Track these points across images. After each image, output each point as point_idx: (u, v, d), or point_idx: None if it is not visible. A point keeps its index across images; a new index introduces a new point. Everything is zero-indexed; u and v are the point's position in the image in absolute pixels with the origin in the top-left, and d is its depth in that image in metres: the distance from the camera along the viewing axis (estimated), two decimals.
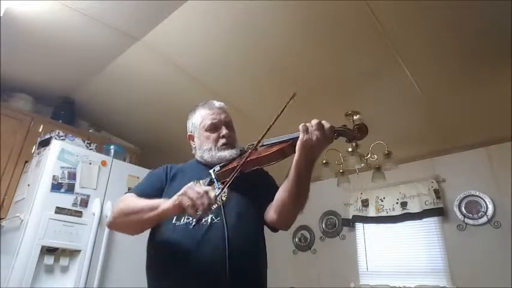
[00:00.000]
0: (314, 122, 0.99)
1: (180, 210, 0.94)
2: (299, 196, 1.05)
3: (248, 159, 1.06)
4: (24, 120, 2.68)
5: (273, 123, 1.06)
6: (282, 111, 1.06)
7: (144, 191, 1.15)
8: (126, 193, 1.18)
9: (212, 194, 0.91)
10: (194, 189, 0.91)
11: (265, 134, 1.07)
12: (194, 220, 1.05)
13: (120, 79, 2.64)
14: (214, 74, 2.49)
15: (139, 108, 3.01)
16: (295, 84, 2.43)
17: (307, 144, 0.98)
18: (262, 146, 1.13)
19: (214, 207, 1.09)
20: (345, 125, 1.02)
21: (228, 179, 1.03)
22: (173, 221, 1.10)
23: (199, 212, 0.90)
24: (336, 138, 1.02)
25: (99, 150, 2.67)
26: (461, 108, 2.57)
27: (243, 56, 2.29)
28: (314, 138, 0.97)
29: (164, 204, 0.97)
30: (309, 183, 1.05)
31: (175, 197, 0.95)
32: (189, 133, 1.36)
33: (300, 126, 0.99)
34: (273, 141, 1.11)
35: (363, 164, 2.65)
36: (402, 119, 2.79)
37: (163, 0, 1.90)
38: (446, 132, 2.90)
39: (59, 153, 2.30)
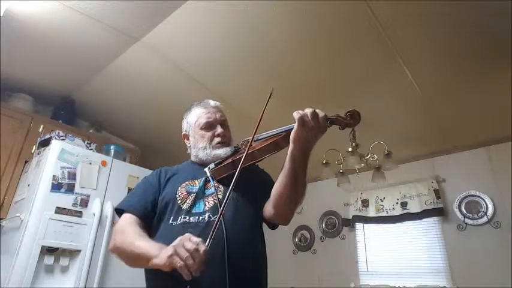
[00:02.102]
0: (309, 112, 0.97)
1: (172, 268, 0.84)
2: (296, 188, 1.04)
3: (246, 154, 1.05)
4: (24, 120, 2.68)
5: (259, 124, 1.06)
6: (264, 109, 1.06)
7: (140, 210, 1.13)
8: (123, 214, 1.14)
9: (202, 248, 0.83)
10: (185, 247, 0.83)
11: (255, 131, 1.06)
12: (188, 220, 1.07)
13: (120, 79, 2.64)
14: (214, 74, 2.49)
15: (139, 108, 3.01)
16: (295, 85, 2.43)
17: (301, 136, 0.97)
18: (257, 140, 1.13)
19: (211, 204, 1.11)
20: (338, 114, 1.03)
21: (232, 182, 0.98)
22: (170, 221, 1.10)
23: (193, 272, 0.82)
24: (329, 126, 1.01)
25: (99, 150, 2.67)
26: (461, 108, 2.57)
27: (243, 56, 2.29)
28: (309, 129, 0.96)
29: (156, 259, 0.89)
30: (305, 175, 1.04)
31: (167, 252, 0.85)
32: (184, 132, 1.35)
33: (295, 116, 0.97)
34: (268, 135, 1.12)
35: (363, 164, 2.64)
36: (402, 119, 2.78)
37: (163, 0, 1.90)
38: (446, 132, 2.90)
39: (59, 153, 2.30)
